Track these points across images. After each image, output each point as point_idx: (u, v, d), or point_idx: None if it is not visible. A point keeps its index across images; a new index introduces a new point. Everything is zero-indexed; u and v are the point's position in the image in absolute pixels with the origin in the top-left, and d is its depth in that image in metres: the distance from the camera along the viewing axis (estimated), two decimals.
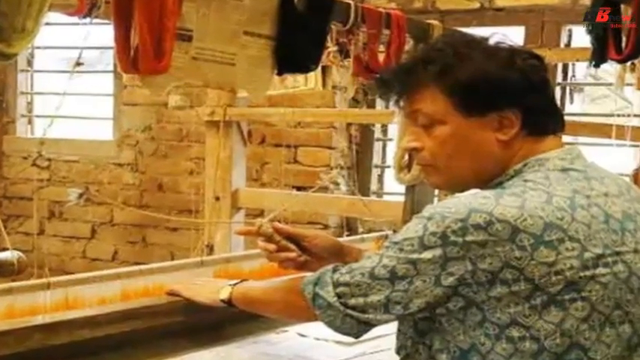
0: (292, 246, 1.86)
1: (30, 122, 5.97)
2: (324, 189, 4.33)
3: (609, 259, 1.39)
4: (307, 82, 2.86)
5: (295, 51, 2.19)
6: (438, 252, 1.38)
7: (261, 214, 4.62)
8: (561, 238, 1.36)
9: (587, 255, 1.36)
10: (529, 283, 1.35)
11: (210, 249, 4.08)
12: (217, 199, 4.30)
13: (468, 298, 1.39)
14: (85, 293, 1.87)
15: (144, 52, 1.79)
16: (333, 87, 2.89)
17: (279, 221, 2.07)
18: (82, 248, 5.77)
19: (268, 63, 2.17)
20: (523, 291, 1.35)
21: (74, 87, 5.09)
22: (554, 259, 1.35)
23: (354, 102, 4.91)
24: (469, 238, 1.36)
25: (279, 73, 2.22)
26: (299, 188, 4.70)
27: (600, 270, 1.37)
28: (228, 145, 4.30)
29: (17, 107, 5.89)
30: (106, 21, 1.83)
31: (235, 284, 1.81)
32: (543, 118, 1.51)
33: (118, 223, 5.66)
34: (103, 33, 2.79)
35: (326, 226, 5.00)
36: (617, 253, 1.40)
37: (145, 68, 1.82)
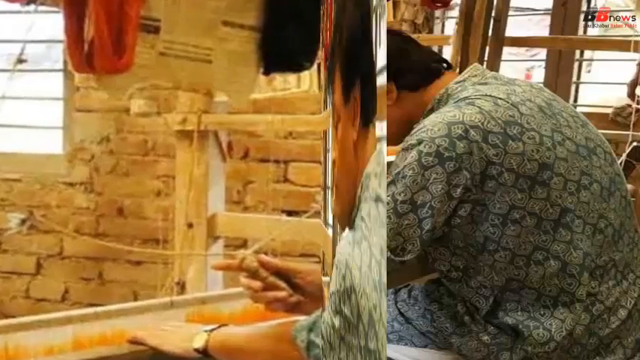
0: (282, 283, 1.87)
1: None
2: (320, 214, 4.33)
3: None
4: (300, 83, 2.88)
5: (285, 45, 2.20)
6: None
7: (243, 244, 4.62)
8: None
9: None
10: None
11: (182, 287, 4.08)
12: (190, 226, 4.30)
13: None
14: (29, 341, 1.88)
15: (101, 47, 1.80)
16: None
17: (265, 253, 2.07)
18: (25, 286, 5.76)
19: (252, 60, 2.18)
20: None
21: (15, 89, 5.09)
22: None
23: None
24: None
25: (266, 72, 2.23)
26: (290, 213, 4.71)
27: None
28: (203, 160, 4.30)
29: None
30: (55, 9, 1.84)
31: (212, 330, 1.81)
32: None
33: (68, 256, 5.66)
34: (50, 23, 2.81)
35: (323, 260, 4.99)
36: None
37: (102, 66, 1.83)
